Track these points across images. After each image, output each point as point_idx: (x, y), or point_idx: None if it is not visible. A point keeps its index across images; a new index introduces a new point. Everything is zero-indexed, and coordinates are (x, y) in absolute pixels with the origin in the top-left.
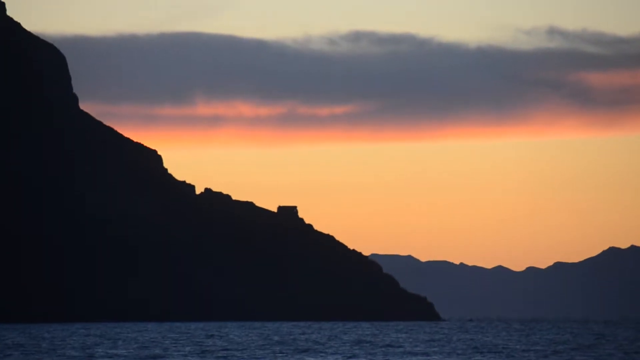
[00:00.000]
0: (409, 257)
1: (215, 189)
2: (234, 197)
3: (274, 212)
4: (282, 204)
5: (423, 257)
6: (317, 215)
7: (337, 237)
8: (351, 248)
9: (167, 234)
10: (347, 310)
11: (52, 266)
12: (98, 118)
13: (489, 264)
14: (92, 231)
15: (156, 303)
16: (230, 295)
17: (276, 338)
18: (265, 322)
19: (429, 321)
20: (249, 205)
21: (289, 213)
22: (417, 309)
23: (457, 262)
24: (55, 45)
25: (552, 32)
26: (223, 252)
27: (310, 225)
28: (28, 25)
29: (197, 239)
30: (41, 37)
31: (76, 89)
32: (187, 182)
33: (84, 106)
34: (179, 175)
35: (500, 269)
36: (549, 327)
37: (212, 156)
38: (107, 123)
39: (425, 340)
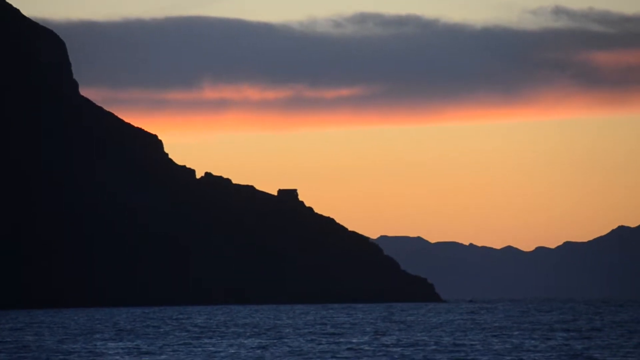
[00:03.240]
0: (419, 238)
1: (217, 173)
2: (234, 181)
3: (274, 196)
4: (283, 188)
5: (432, 239)
6: (322, 199)
7: (346, 220)
8: (351, 230)
9: (167, 218)
10: (348, 293)
11: (51, 253)
12: (105, 103)
13: (498, 245)
14: (90, 216)
15: (157, 288)
16: (230, 280)
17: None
18: (261, 305)
19: (430, 302)
20: (249, 189)
21: (289, 196)
22: (418, 291)
23: (467, 243)
24: (62, 31)
25: (558, 11)
26: (222, 236)
27: (310, 208)
28: (31, 11)
29: (196, 223)
30: (47, 23)
31: (82, 75)
32: (188, 166)
33: (90, 92)
34: (181, 160)
35: (509, 249)
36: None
37: (218, 140)
38: (114, 108)
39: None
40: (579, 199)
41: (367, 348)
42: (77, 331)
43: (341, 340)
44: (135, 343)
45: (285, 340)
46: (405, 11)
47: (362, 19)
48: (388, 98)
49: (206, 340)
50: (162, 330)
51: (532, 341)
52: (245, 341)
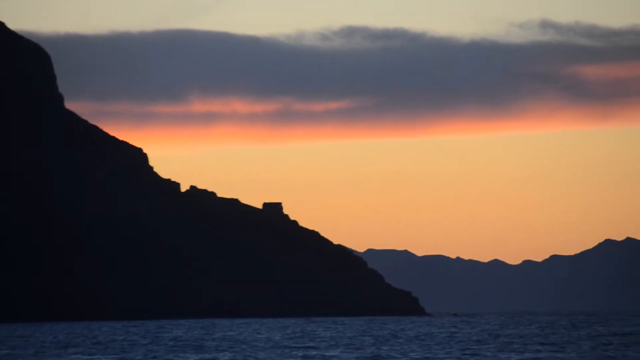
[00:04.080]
0: (405, 252)
1: (203, 186)
2: (219, 195)
3: (259, 209)
4: (269, 201)
5: (419, 252)
6: (309, 213)
7: (333, 234)
8: (336, 243)
9: (151, 231)
10: (332, 306)
11: (32, 265)
12: (93, 117)
13: (485, 258)
14: (74, 229)
15: (140, 300)
16: (215, 292)
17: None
18: (249, 318)
19: (414, 315)
20: (234, 202)
21: (273, 210)
22: (402, 304)
23: (454, 257)
24: (49, 44)
25: (545, 25)
26: (207, 249)
27: (295, 222)
28: (18, 25)
29: (181, 236)
30: (34, 36)
31: (69, 88)
32: (173, 179)
33: (78, 105)
34: (166, 174)
35: (496, 263)
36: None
37: (206, 153)
38: (101, 121)
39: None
40: (566, 212)
41: None
42: (53, 345)
43: (313, 353)
44: (109, 357)
45: (248, 354)
46: (392, 25)
47: (350, 32)
48: (376, 111)
49: (176, 355)
50: (139, 343)
51: (502, 354)
52: (219, 355)
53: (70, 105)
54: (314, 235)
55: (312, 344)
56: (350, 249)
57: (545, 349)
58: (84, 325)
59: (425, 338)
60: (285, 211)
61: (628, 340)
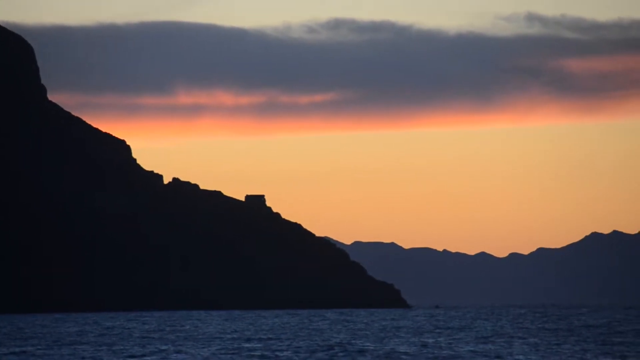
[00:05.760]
0: (392, 244)
1: (186, 178)
2: (202, 187)
3: (242, 201)
4: (253, 193)
5: (406, 245)
6: (294, 205)
7: (319, 226)
8: (319, 235)
9: (133, 223)
10: (314, 299)
11: (13, 258)
12: (78, 108)
13: (472, 251)
14: (57, 222)
15: (121, 293)
16: (197, 285)
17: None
18: (231, 310)
19: (396, 308)
20: (217, 194)
21: (256, 202)
22: (384, 296)
23: (441, 249)
24: (34, 35)
25: (531, 18)
26: (189, 242)
27: (278, 214)
28: (1, 16)
29: (163, 228)
30: (18, 27)
31: (55, 80)
32: (156, 172)
33: (63, 97)
34: (149, 165)
35: (483, 255)
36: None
37: (191, 145)
38: (86, 113)
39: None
40: (553, 206)
41: (266, 353)
42: (12, 337)
43: (258, 345)
44: (65, 351)
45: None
46: (379, 17)
47: (337, 24)
48: (362, 104)
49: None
50: (105, 337)
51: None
52: (172, 347)
53: (55, 97)
54: (296, 227)
55: (235, 335)
56: (334, 241)
57: (467, 335)
58: (55, 318)
59: (366, 328)
60: (268, 204)
61: (563, 335)
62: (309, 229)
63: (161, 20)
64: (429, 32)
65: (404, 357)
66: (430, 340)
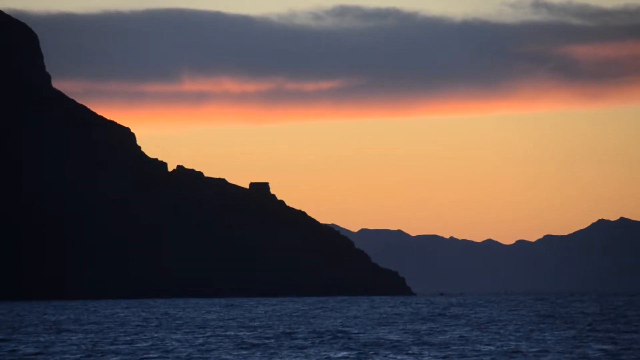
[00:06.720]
0: (399, 231)
1: (190, 166)
2: (206, 175)
3: (245, 189)
4: (257, 181)
5: (413, 232)
6: (299, 192)
7: (326, 213)
8: (328, 223)
9: (137, 210)
10: (318, 286)
11: (16, 243)
12: (84, 96)
13: (478, 238)
14: (60, 208)
15: (124, 280)
16: (201, 272)
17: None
18: (233, 298)
19: (399, 295)
20: (221, 182)
21: (260, 189)
22: (388, 284)
23: (447, 236)
24: (40, 23)
25: (537, 5)
26: (193, 229)
27: (282, 202)
28: (8, 4)
29: (167, 215)
30: (24, 15)
31: (61, 67)
32: (160, 159)
33: (69, 84)
34: (154, 153)
35: (490, 243)
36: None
37: (197, 133)
38: (92, 100)
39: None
40: (559, 193)
41: (256, 342)
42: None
43: (248, 334)
44: (49, 338)
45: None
46: (384, 4)
47: (342, 11)
48: (368, 91)
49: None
50: (95, 324)
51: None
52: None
53: (61, 84)
54: (300, 215)
55: (224, 323)
56: (341, 228)
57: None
58: (56, 304)
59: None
60: (272, 191)
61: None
62: (314, 216)
63: (166, 7)
64: (435, 18)
65: (387, 344)
66: (424, 327)
